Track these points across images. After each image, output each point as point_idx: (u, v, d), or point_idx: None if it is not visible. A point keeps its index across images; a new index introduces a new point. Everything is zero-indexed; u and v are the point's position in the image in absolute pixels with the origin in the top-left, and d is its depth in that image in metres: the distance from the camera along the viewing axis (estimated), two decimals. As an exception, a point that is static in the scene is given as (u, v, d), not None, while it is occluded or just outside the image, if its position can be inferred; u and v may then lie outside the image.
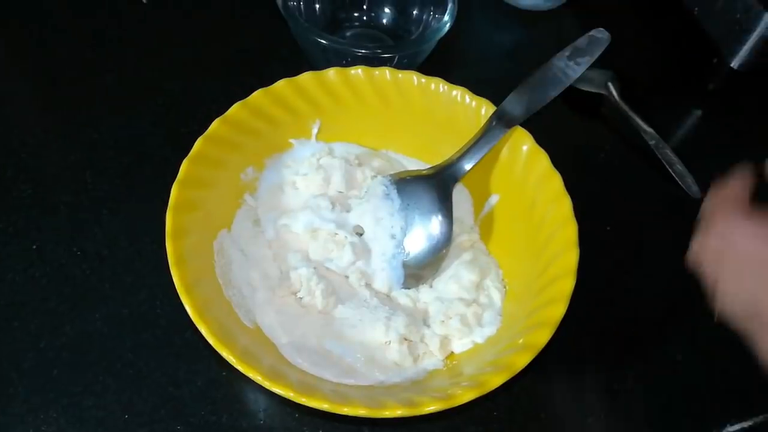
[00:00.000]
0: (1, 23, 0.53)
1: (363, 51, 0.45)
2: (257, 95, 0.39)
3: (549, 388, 0.37)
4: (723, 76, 0.56)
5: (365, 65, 0.42)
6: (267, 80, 0.41)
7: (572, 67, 0.40)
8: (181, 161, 0.36)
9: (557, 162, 0.39)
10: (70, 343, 0.36)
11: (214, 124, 0.37)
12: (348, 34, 0.54)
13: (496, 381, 0.29)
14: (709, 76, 0.57)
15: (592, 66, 0.48)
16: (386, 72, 0.41)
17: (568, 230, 0.34)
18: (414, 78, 0.41)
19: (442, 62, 0.50)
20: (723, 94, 0.56)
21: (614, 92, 0.51)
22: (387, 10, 0.53)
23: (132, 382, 0.35)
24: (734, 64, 0.53)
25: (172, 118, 0.47)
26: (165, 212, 0.33)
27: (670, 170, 0.48)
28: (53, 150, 0.45)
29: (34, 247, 0.40)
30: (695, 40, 0.57)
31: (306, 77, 0.40)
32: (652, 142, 0.49)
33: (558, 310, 0.31)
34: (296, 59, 0.51)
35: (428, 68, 0.49)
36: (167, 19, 0.54)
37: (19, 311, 0.37)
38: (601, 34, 0.41)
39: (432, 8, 0.50)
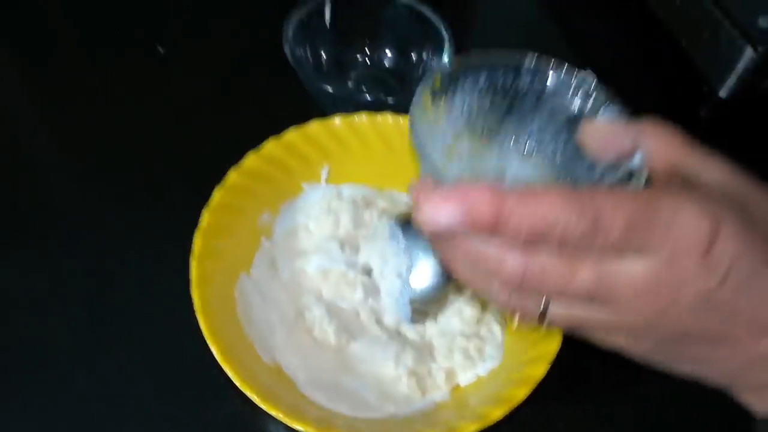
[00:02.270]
0: (27, 72, 0.56)
1: (367, 97, 0.48)
2: (269, 144, 0.42)
3: (549, 418, 0.39)
4: (714, 103, 0.58)
5: (370, 109, 0.45)
6: (278, 124, 0.44)
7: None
8: (199, 203, 0.38)
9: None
10: (100, 383, 0.39)
11: (231, 174, 0.40)
12: (353, 75, 0.57)
13: (497, 414, 0.31)
14: (700, 103, 0.59)
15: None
16: (388, 117, 0.44)
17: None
18: (415, 122, 0.44)
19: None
20: (714, 121, 0.58)
21: (607, 124, 0.54)
22: (389, 53, 0.56)
23: (160, 420, 0.38)
24: (722, 93, 0.56)
25: (190, 165, 0.49)
26: (187, 255, 0.36)
27: (662, 198, 0.50)
28: (79, 199, 0.48)
29: (66, 292, 0.42)
30: (686, 70, 0.60)
31: (314, 125, 0.43)
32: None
33: (554, 344, 0.33)
34: (305, 103, 0.53)
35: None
36: (183, 68, 0.57)
37: (52, 354, 0.40)
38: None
39: (430, 51, 0.53)
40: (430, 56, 0.53)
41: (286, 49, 0.49)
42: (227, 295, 0.37)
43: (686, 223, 0.22)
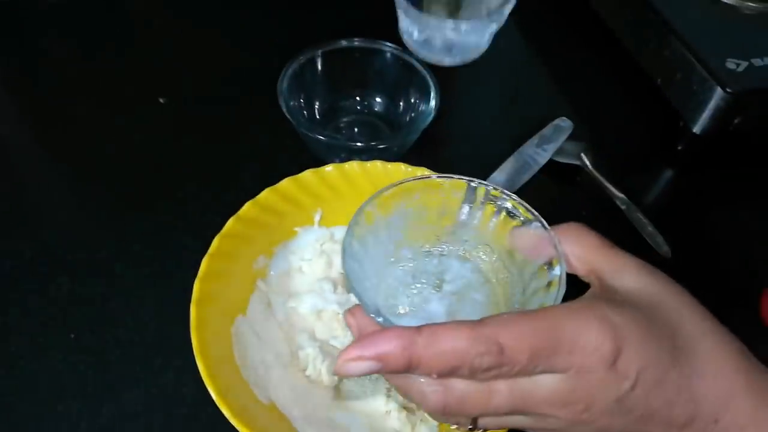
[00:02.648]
0: (35, 129, 0.59)
1: (357, 144, 0.51)
2: (265, 193, 0.44)
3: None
4: (690, 139, 0.61)
5: (360, 154, 0.47)
6: (274, 169, 0.46)
7: (540, 153, 0.45)
8: (200, 249, 0.41)
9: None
10: (107, 423, 0.41)
11: (229, 223, 0.42)
12: (345, 120, 0.60)
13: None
14: (677, 139, 0.62)
15: (567, 139, 0.54)
16: (377, 164, 0.47)
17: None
18: (402, 167, 0.46)
19: (429, 143, 0.56)
20: (690, 156, 0.61)
21: (587, 162, 0.56)
22: (378, 99, 0.59)
23: (163, 457, 0.40)
24: (696, 129, 0.58)
25: (190, 211, 0.52)
26: (188, 298, 0.38)
27: (641, 232, 0.52)
28: (85, 246, 0.50)
29: (72, 336, 0.45)
30: (662, 107, 0.62)
31: (307, 174, 0.46)
32: (623, 207, 0.54)
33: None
34: (299, 148, 0.56)
35: (419, 149, 0.54)
36: (183, 116, 0.60)
37: (62, 396, 0.42)
38: (564, 123, 0.46)
39: (417, 97, 0.56)
40: (418, 101, 0.56)
41: (281, 101, 0.52)
42: (224, 337, 0.39)
43: (588, 344, 0.24)
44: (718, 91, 0.55)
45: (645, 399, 0.25)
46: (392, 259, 0.33)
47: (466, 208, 0.33)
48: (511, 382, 0.25)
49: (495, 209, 0.32)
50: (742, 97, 0.54)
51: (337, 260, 0.45)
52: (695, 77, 0.57)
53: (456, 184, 0.33)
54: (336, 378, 0.40)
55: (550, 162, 0.55)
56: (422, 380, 0.26)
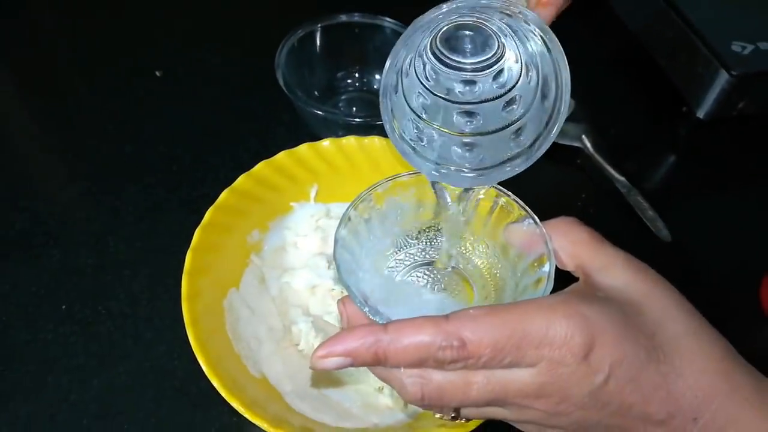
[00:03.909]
0: (29, 100, 0.58)
1: (355, 119, 0.50)
2: (261, 166, 0.44)
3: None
4: (692, 123, 0.60)
5: (358, 130, 0.47)
6: (271, 145, 0.46)
7: (541, 132, 0.44)
8: (194, 223, 0.40)
9: (536, 211, 0.42)
10: (97, 395, 0.40)
11: (223, 195, 0.42)
12: (343, 97, 0.59)
13: (476, 421, 0.32)
14: (679, 123, 0.61)
15: (567, 120, 0.53)
16: (375, 140, 0.46)
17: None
18: (400, 144, 0.46)
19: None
20: (692, 141, 0.60)
21: (588, 144, 0.56)
22: (377, 76, 0.58)
23: (153, 430, 0.39)
24: (700, 113, 0.58)
25: (185, 183, 0.51)
26: (181, 272, 0.37)
27: (641, 216, 0.52)
28: (78, 217, 0.49)
29: (63, 307, 0.44)
30: (665, 91, 0.62)
31: (303, 148, 0.45)
32: (624, 190, 0.53)
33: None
34: (296, 123, 0.56)
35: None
36: (179, 91, 0.59)
37: (51, 367, 0.41)
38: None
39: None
40: (418, 79, 0.55)
41: (278, 75, 0.51)
42: (216, 309, 0.39)
43: (557, 338, 0.25)
44: (723, 74, 0.54)
45: (620, 393, 0.25)
46: (388, 253, 0.33)
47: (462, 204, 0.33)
48: (488, 374, 0.26)
49: (490, 205, 0.33)
50: (748, 81, 0.54)
51: (332, 236, 0.44)
52: (700, 60, 0.56)
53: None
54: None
55: (551, 144, 0.54)
56: (401, 370, 0.27)
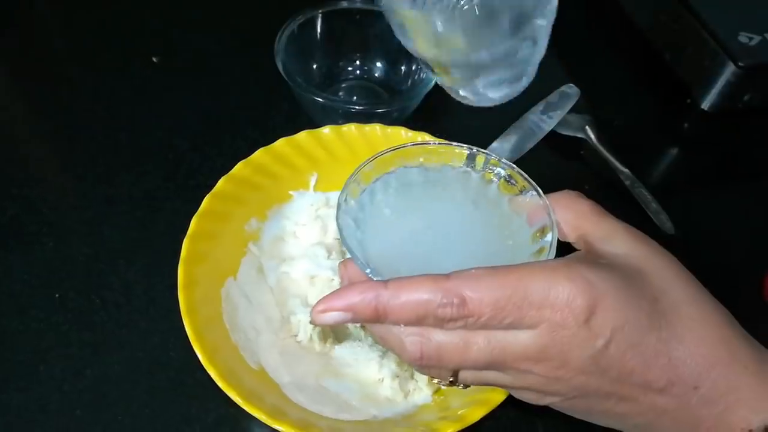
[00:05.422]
0: (24, 86, 0.57)
1: (356, 107, 0.49)
2: (259, 154, 0.43)
3: (528, 419, 0.40)
4: (696, 116, 0.59)
5: (359, 118, 0.46)
6: (269, 132, 0.45)
7: (545, 120, 0.44)
8: (190, 212, 0.39)
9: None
10: (90, 385, 0.39)
11: (221, 182, 0.41)
12: (344, 86, 0.58)
13: (477, 414, 0.32)
14: (683, 116, 0.60)
15: (571, 111, 0.52)
16: (376, 127, 0.45)
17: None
18: (402, 132, 0.45)
19: (432, 111, 0.54)
20: (696, 133, 0.59)
21: (592, 136, 0.55)
22: (379, 64, 0.57)
23: (148, 421, 0.38)
24: (704, 105, 0.57)
25: (181, 172, 0.50)
26: (177, 261, 0.37)
27: (645, 208, 0.51)
28: (73, 205, 0.48)
29: (57, 296, 0.43)
30: (670, 83, 0.61)
31: (303, 136, 0.44)
32: (627, 182, 0.52)
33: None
34: (296, 112, 0.55)
35: (419, 116, 0.53)
36: (176, 77, 0.58)
37: (44, 357, 0.40)
38: (570, 90, 0.45)
39: (419, 63, 0.54)
40: (419, 68, 0.55)
41: (278, 61, 0.50)
42: (213, 298, 0.38)
43: (558, 300, 0.25)
44: (730, 66, 0.53)
45: (620, 359, 0.25)
46: (394, 220, 0.32)
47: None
48: (488, 335, 0.26)
49: (493, 177, 0.33)
50: (754, 72, 0.53)
51: (332, 226, 0.43)
52: (706, 51, 0.55)
53: (455, 152, 0.33)
54: (328, 345, 0.38)
55: (554, 134, 0.53)
56: (401, 329, 0.26)
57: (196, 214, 0.39)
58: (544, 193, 0.31)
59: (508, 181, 0.32)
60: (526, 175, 0.32)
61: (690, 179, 0.56)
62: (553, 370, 0.26)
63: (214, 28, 0.63)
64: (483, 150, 0.33)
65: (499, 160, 0.32)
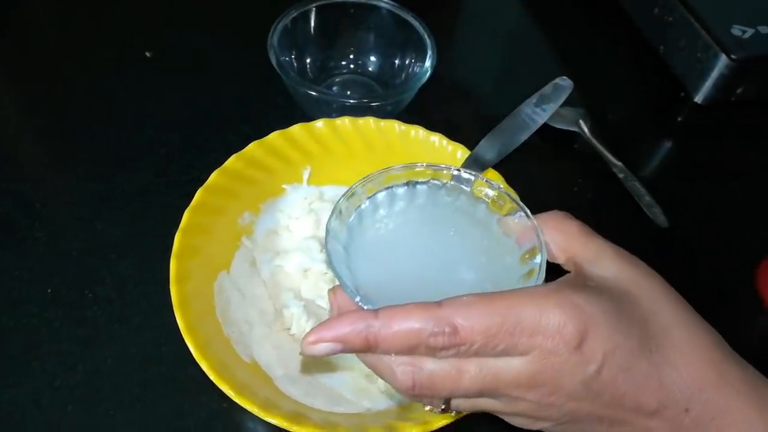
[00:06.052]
0: (16, 81, 0.57)
1: (350, 100, 0.49)
2: (252, 147, 0.42)
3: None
4: (690, 109, 0.60)
5: (353, 112, 0.46)
6: (263, 127, 0.44)
7: (538, 113, 0.44)
8: (183, 207, 0.39)
9: (532, 196, 0.41)
10: (82, 380, 0.39)
11: (213, 176, 0.41)
12: (338, 80, 0.58)
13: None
14: (677, 109, 0.60)
15: (564, 104, 0.52)
16: (370, 121, 0.45)
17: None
18: (395, 126, 0.45)
19: (425, 105, 0.54)
20: (690, 126, 0.59)
21: (585, 129, 0.55)
22: (373, 58, 0.57)
23: (140, 416, 0.38)
24: (698, 98, 0.57)
25: (174, 168, 0.50)
26: (169, 256, 0.36)
27: (638, 201, 0.51)
28: (65, 200, 0.48)
29: (49, 291, 0.43)
30: (663, 76, 0.61)
31: (296, 129, 0.44)
32: (621, 176, 0.52)
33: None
34: (290, 107, 0.54)
35: (414, 109, 0.53)
36: (168, 72, 0.58)
37: (36, 352, 0.40)
38: (564, 82, 0.45)
39: (413, 57, 0.54)
40: (413, 62, 0.55)
41: (271, 55, 0.50)
42: (206, 292, 0.38)
43: (549, 327, 0.25)
44: (723, 59, 0.53)
45: (612, 383, 0.25)
46: (383, 244, 0.32)
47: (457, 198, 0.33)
48: (480, 363, 0.26)
49: (482, 196, 0.33)
50: (747, 65, 0.53)
51: (325, 219, 0.43)
52: (699, 44, 0.55)
53: (442, 174, 0.33)
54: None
55: (548, 128, 0.53)
56: (393, 358, 0.26)
57: (188, 207, 0.39)
58: (539, 191, 0.32)
59: (496, 201, 0.32)
60: (514, 196, 0.32)
61: (683, 172, 0.56)
62: (546, 396, 0.26)
63: (206, 24, 0.62)
64: (470, 171, 0.33)
65: (486, 181, 0.32)
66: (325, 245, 0.30)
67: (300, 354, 0.27)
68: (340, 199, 0.31)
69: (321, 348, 0.26)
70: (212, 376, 0.32)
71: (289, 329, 0.39)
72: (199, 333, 0.34)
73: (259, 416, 0.31)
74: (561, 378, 0.25)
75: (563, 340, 0.24)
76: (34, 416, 0.38)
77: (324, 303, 0.40)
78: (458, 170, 0.33)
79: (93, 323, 0.42)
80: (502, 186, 0.32)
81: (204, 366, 0.32)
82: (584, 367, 0.25)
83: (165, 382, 0.39)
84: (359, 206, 0.32)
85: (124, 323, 0.42)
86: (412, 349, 0.25)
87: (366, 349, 0.26)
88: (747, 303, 0.48)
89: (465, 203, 0.33)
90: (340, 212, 0.31)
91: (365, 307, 0.27)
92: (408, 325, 0.25)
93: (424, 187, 0.33)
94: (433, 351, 0.25)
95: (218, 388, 0.32)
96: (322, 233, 0.43)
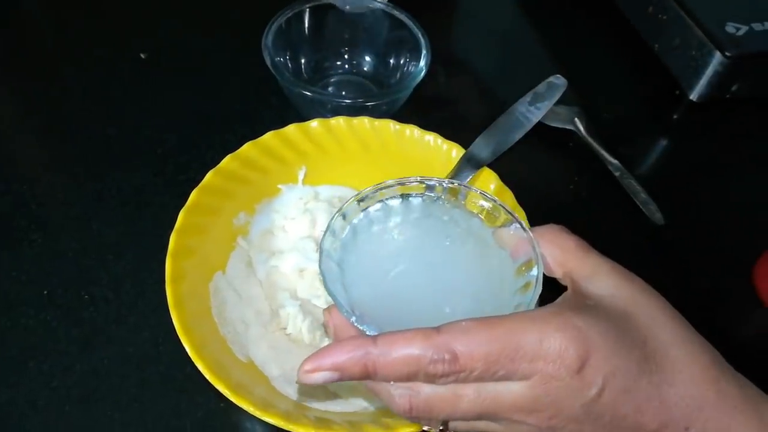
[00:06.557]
0: (12, 81, 0.57)
1: (345, 101, 0.49)
2: (247, 147, 0.43)
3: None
4: (685, 106, 0.60)
5: (348, 112, 0.46)
6: (258, 127, 0.45)
7: (533, 111, 0.44)
8: (179, 207, 0.39)
9: (528, 194, 0.42)
10: (79, 381, 0.39)
11: (208, 176, 0.41)
12: (333, 80, 0.58)
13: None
14: (672, 107, 0.60)
15: (559, 103, 0.52)
16: (365, 120, 0.45)
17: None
18: (390, 125, 0.45)
19: (420, 105, 0.54)
20: (685, 124, 0.59)
21: (581, 127, 0.55)
22: (367, 58, 0.57)
23: (137, 416, 0.38)
24: (693, 96, 0.57)
25: (170, 168, 0.50)
26: (165, 256, 0.37)
27: (634, 199, 0.51)
28: (61, 201, 0.48)
29: (45, 292, 0.43)
30: (658, 74, 0.61)
31: (291, 129, 0.44)
32: (617, 173, 0.52)
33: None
34: (285, 107, 0.54)
35: (409, 109, 0.53)
36: (164, 73, 0.58)
37: (33, 353, 0.40)
38: (558, 80, 0.45)
39: (408, 57, 0.54)
40: (408, 61, 0.55)
41: (265, 55, 0.50)
42: (202, 292, 0.38)
43: (551, 351, 0.24)
44: (717, 56, 0.53)
45: (613, 406, 0.25)
46: (377, 261, 0.32)
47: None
48: (478, 388, 0.26)
49: (476, 208, 0.32)
50: (742, 62, 0.53)
51: (321, 219, 0.43)
52: (694, 42, 0.55)
53: (435, 188, 0.33)
54: (317, 338, 0.38)
55: (543, 126, 0.53)
56: (391, 383, 0.26)
57: (183, 208, 0.39)
58: (534, 190, 0.31)
59: (491, 213, 0.32)
60: (509, 208, 0.31)
61: (679, 169, 0.56)
62: (546, 420, 0.25)
63: (201, 24, 0.63)
64: (464, 185, 0.33)
65: (481, 193, 0.32)
66: (319, 266, 0.30)
67: (296, 382, 0.27)
68: (333, 217, 0.31)
69: (318, 377, 0.26)
70: (208, 376, 0.32)
71: (285, 329, 0.39)
72: (195, 333, 0.34)
73: (256, 415, 0.31)
74: (562, 401, 0.25)
75: (564, 364, 0.24)
76: (31, 417, 0.38)
77: (320, 302, 0.40)
78: (451, 182, 0.33)
79: (90, 323, 0.42)
80: (497, 198, 0.32)
81: (200, 366, 0.32)
82: (585, 391, 0.25)
83: (162, 382, 0.39)
84: (353, 221, 0.32)
85: (121, 323, 0.42)
86: (411, 376, 0.25)
87: (364, 376, 0.26)
88: (744, 300, 0.48)
89: (459, 216, 0.33)
90: (334, 229, 0.31)
91: (361, 327, 0.27)
92: (407, 352, 0.25)
93: (419, 199, 0.33)
94: (432, 378, 0.25)
95: (215, 388, 0.32)
96: (317, 233, 0.43)
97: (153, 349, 0.41)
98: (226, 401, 0.32)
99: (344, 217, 0.32)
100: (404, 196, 0.33)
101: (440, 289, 0.30)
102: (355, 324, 0.27)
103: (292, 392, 0.36)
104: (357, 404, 0.36)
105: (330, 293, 0.29)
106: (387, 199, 0.33)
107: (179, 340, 0.34)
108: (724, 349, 0.28)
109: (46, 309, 0.42)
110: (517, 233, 0.30)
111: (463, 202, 0.33)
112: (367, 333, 0.27)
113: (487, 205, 0.32)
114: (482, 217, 0.32)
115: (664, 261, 0.50)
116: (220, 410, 0.38)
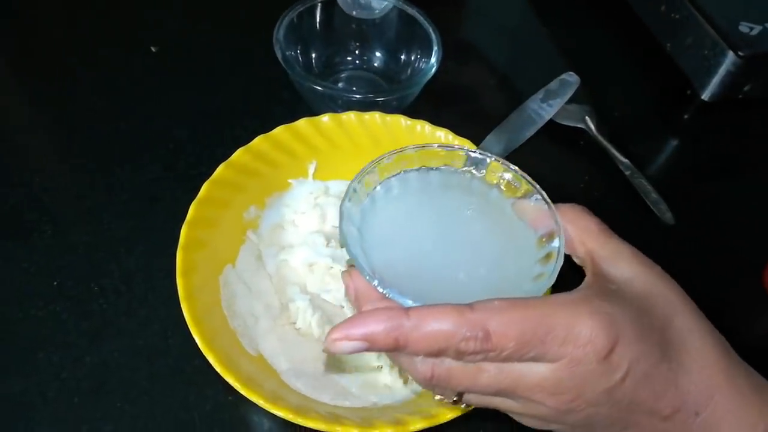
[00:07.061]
0: (24, 77, 0.57)
1: (356, 96, 0.49)
2: (258, 141, 0.43)
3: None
4: (697, 106, 0.59)
5: (358, 107, 0.46)
6: (269, 122, 0.45)
7: (545, 108, 0.44)
8: (190, 201, 0.39)
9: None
10: (89, 373, 0.39)
11: (219, 169, 0.41)
12: (343, 75, 0.58)
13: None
14: (683, 106, 0.60)
15: (571, 101, 0.52)
16: (376, 116, 0.45)
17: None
18: (401, 121, 0.45)
19: (431, 100, 0.54)
20: (696, 123, 0.59)
21: (592, 126, 0.55)
22: (378, 54, 0.57)
23: (146, 408, 0.38)
24: (705, 96, 0.57)
25: (181, 162, 0.50)
26: (176, 249, 0.37)
27: (645, 198, 0.51)
28: (72, 194, 0.48)
29: (55, 284, 0.43)
30: (669, 73, 0.61)
31: (302, 123, 0.44)
32: (627, 173, 0.52)
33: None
34: (295, 102, 0.54)
35: (418, 105, 0.53)
36: (175, 68, 0.58)
37: (43, 345, 0.40)
38: (571, 78, 0.45)
39: (419, 53, 0.54)
40: (419, 57, 0.55)
41: (277, 50, 0.50)
42: (212, 285, 0.38)
43: (581, 336, 0.25)
44: (730, 55, 0.53)
45: (633, 391, 0.25)
46: (397, 227, 0.32)
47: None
48: (500, 365, 0.26)
49: (496, 179, 0.32)
50: (755, 62, 0.53)
51: (331, 214, 0.43)
52: (707, 41, 0.55)
53: (456, 155, 0.33)
54: (326, 331, 0.38)
55: (554, 124, 0.53)
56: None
57: (194, 200, 0.39)
58: (545, 188, 0.31)
59: (511, 184, 0.32)
60: (530, 179, 0.31)
61: (690, 169, 0.56)
62: (566, 403, 0.26)
63: (212, 18, 0.62)
64: (485, 152, 0.32)
65: (502, 163, 0.32)
66: (339, 226, 0.29)
67: (323, 351, 0.27)
68: (353, 181, 0.31)
69: (346, 346, 0.25)
70: (218, 368, 0.32)
71: (294, 323, 0.39)
72: (205, 325, 0.34)
73: (266, 408, 0.31)
74: (585, 386, 0.25)
75: (594, 349, 0.25)
76: (41, 408, 0.38)
77: (329, 297, 0.40)
78: (473, 151, 0.32)
79: (100, 316, 0.42)
80: (518, 168, 0.31)
81: (210, 358, 0.32)
82: (610, 375, 0.25)
83: (171, 375, 0.39)
84: (373, 188, 0.32)
85: (131, 316, 0.42)
86: (441, 351, 0.25)
87: (394, 349, 0.25)
88: (754, 300, 0.48)
89: (479, 186, 0.33)
90: (355, 191, 0.31)
91: (383, 291, 0.27)
92: (440, 326, 0.24)
93: (438, 171, 0.33)
94: (461, 355, 0.25)
95: (224, 380, 0.32)
96: (327, 228, 0.43)
97: (162, 342, 0.41)
98: (235, 394, 0.32)
99: (363, 181, 0.31)
100: (423, 168, 0.33)
101: (461, 258, 0.30)
102: (378, 287, 0.27)
103: (301, 386, 0.36)
104: (368, 400, 0.36)
105: (352, 255, 0.28)
106: (406, 169, 0.33)
107: (188, 333, 0.34)
108: (733, 350, 0.28)
109: (57, 301, 0.42)
110: (538, 204, 0.30)
111: (483, 172, 0.32)
112: (390, 296, 0.27)
113: (508, 176, 0.32)
114: (502, 188, 0.32)
115: (674, 261, 0.49)
116: (228, 403, 0.38)
